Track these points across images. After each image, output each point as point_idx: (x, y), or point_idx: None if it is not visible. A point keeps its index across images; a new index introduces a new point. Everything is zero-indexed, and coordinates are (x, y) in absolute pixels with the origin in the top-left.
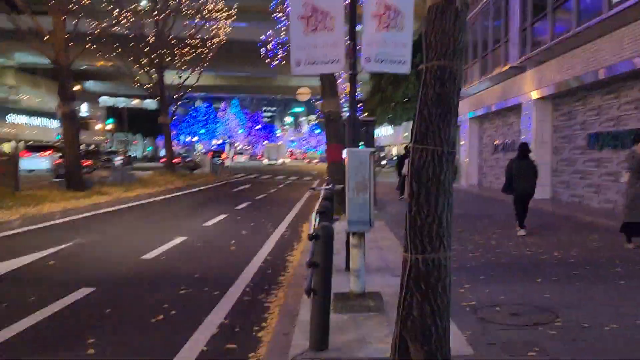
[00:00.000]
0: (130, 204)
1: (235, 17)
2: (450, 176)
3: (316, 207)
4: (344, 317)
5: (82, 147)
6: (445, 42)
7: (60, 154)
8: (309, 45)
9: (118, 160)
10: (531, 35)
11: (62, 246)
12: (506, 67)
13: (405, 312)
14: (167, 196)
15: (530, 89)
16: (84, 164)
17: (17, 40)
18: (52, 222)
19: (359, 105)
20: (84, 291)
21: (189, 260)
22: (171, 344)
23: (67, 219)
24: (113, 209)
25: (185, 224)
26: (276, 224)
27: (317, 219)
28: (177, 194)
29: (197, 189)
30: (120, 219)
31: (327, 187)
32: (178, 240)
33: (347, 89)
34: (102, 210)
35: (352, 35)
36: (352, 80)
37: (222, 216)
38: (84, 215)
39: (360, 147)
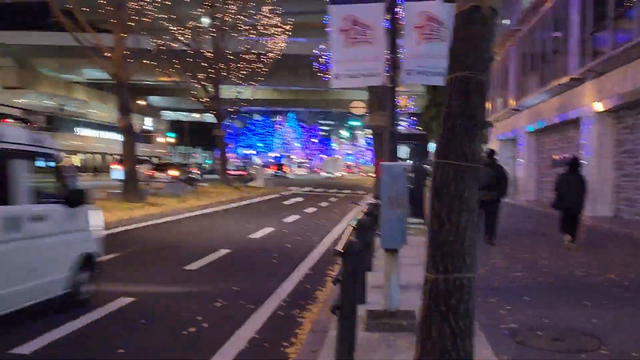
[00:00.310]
0: (181, 216)
1: (291, 33)
2: (475, 193)
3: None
4: (375, 336)
5: (169, 159)
6: (470, 51)
7: (150, 166)
8: (349, 58)
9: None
10: (591, 45)
11: (111, 256)
12: (565, 79)
13: (424, 334)
14: (219, 208)
15: (591, 101)
16: (173, 176)
17: (84, 57)
18: (104, 233)
19: (413, 119)
20: (122, 301)
21: (230, 273)
22: (199, 357)
23: (119, 229)
24: (164, 220)
25: (232, 236)
26: (322, 237)
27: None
28: (229, 206)
29: (249, 202)
30: (170, 229)
31: (371, 201)
32: (222, 252)
33: (402, 102)
34: (153, 221)
35: (393, 47)
36: (392, 93)
37: (269, 229)
38: (136, 225)
39: (407, 162)
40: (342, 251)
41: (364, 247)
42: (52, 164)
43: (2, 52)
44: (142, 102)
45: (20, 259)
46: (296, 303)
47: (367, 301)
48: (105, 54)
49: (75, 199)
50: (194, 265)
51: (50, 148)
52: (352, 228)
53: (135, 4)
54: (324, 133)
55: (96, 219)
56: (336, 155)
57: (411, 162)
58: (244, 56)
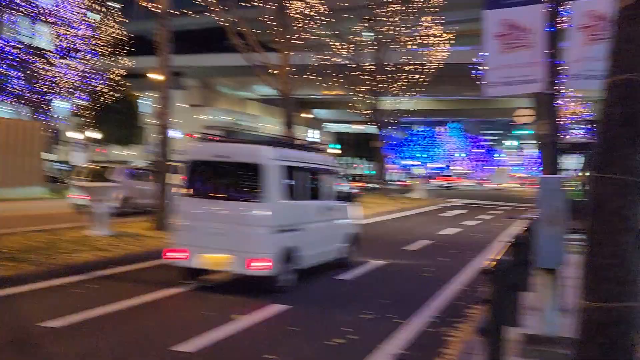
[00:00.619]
0: None
1: (453, 41)
2: (638, 211)
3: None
4: None
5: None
6: (635, 51)
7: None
8: (504, 65)
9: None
10: None
11: None
12: None
13: None
14: (376, 219)
15: None
16: (357, 185)
17: (255, 75)
18: None
19: (590, 127)
20: (279, 308)
21: (383, 285)
22: None
23: None
24: None
25: (387, 247)
26: (480, 252)
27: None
28: (386, 217)
29: (407, 213)
30: None
31: (531, 215)
32: (377, 263)
33: (576, 109)
34: None
35: (554, 51)
36: (551, 100)
37: (425, 242)
38: None
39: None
40: (490, 269)
41: (517, 265)
42: (337, 175)
43: (189, 73)
44: (307, 115)
45: (325, 231)
46: (446, 320)
47: (520, 324)
48: (273, 71)
49: (348, 197)
50: (347, 275)
51: (335, 165)
52: (508, 244)
53: (300, 23)
54: (489, 143)
55: (359, 212)
56: (502, 166)
57: (587, 173)
58: (404, 67)
